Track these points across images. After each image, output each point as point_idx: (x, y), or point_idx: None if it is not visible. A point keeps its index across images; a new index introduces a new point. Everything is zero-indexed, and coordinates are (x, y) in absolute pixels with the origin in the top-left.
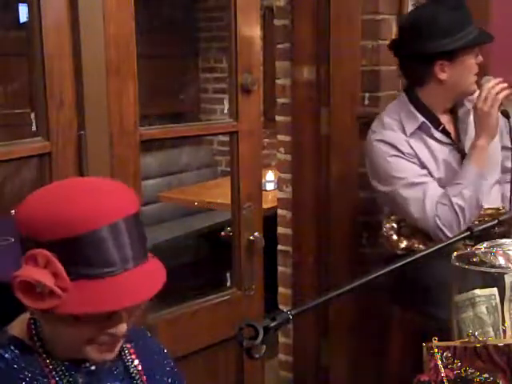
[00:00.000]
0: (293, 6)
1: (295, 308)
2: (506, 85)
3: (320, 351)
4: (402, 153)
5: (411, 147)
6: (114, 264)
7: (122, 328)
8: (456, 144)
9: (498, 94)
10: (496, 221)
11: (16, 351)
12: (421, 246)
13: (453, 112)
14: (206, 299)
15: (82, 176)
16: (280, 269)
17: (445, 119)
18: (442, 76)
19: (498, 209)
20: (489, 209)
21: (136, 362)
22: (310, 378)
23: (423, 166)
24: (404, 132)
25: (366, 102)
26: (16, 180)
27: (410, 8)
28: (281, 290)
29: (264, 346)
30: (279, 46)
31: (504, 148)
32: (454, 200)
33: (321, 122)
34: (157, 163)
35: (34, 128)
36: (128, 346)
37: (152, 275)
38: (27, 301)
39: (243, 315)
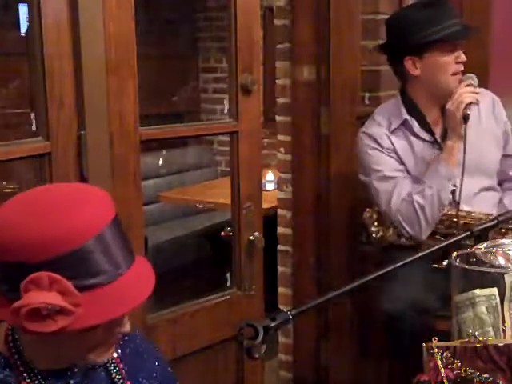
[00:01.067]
0: (293, 6)
1: (295, 308)
2: (474, 90)
3: (320, 351)
4: (382, 147)
5: (391, 142)
6: (108, 271)
7: (127, 326)
8: (438, 143)
9: (464, 97)
10: (496, 221)
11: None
12: (394, 237)
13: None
14: (205, 299)
15: (81, 176)
16: (280, 269)
17: (433, 117)
18: (415, 72)
19: (481, 217)
20: (471, 213)
21: (120, 366)
22: (310, 378)
23: (401, 161)
24: (389, 127)
25: (366, 101)
26: (16, 180)
27: None
28: (281, 290)
29: (264, 346)
30: (279, 46)
31: (509, 156)
32: (416, 198)
33: (321, 122)
34: (157, 163)
35: (34, 128)
36: None
37: (144, 272)
38: (36, 327)
39: (243, 315)
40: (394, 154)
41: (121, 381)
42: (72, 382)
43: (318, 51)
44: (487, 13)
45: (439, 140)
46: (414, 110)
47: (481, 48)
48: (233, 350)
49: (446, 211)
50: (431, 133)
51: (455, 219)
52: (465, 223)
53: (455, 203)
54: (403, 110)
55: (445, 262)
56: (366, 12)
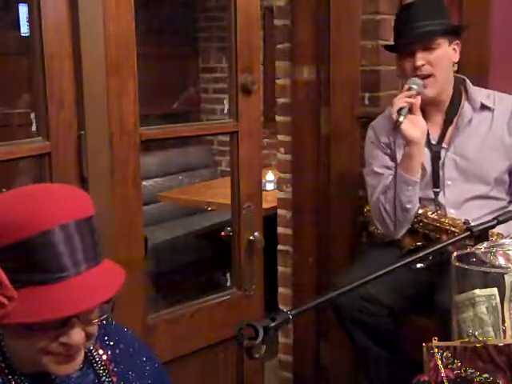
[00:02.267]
0: (293, 6)
1: (295, 308)
2: (410, 93)
3: (320, 351)
4: (379, 141)
5: (389, 138)
6: (65, 268)
7: (76, 336)
8: (429, 143)
9: (396, 103)
10: (495, 221)
11: None
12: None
13: (450, 112)
14: (205, 299)
15: (81, 176)
16: (280, 269)
17: (433, 117)
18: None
19: (461, 224)
20: (456, 220)
21: (110, 367)
22: (310, 378)
23: (394, 159)
24: (390, 123)
25: (366, 101)
26: (16, 180)
27: None
28: (281, 290)
29: (264, 346)
30: (279, 46)
31: None
32: (380, 198)
33: (321, 121)
34: (157, 163)
35: (34, 128)
36: (101, 352)
37: (104, 279)
38: None
39: (243, 315)
40: (388, 151)
41: (110, 383)
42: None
43: (318, 51)
44: (487, 11)
45: (433, 141)
46: None
47: (480, 47)
48: (233, 350)
49: (430, 214)
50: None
51: (438, 224)
52: (448, 229)
53: (437, 207)
54: None
55: (419, 265)
56: (366, 12)
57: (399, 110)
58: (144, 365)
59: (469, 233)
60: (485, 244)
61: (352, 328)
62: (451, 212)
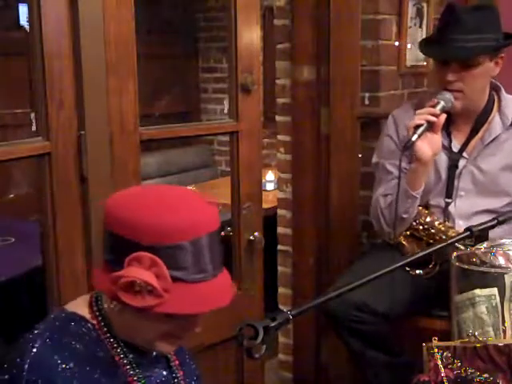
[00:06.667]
0: (293, 6)
1: (295, 308)
2: (432, 111)
3: (320, 351)
4: (398, 138)
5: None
6: (207, 270)
7: (199, 328)
8: (450, 150)
9: (415, 118)
10: (496, 221)
11: (83, 329)
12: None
13: (479, 121)
14: None
15: (81, 176)
16: (280, 269)
17: (462, 124)
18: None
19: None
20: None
21: (174, 357)
22: (310, 377)
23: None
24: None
25: (366, 101)
26: (16, 180)
27: (410, 8)
28: (281, 290)
29: (264, 346)
30: (279, 46)
31: None
32: (381, 199)
33: (321, 122)
34: (157, 163)
35: (34, 128)
36: None
37: (226, 284)
38: (127, 298)
39: (243, 315)
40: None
41: (176, 369)
42: (154, 354)
43: (318, 51)
44: None
45: (454, 149)
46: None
47: None
48: (233, 349)
49: (437, 224)
50: (449, 138)
51: (444, 236)
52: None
53: (446, 218)
54: None
55: (418, 271)
56: (366, 12)
57: (416, 127)
58: (190, 364)
59: (469, 233)
60: (485, 244)
61: (347, 336)
62: (459, 223)
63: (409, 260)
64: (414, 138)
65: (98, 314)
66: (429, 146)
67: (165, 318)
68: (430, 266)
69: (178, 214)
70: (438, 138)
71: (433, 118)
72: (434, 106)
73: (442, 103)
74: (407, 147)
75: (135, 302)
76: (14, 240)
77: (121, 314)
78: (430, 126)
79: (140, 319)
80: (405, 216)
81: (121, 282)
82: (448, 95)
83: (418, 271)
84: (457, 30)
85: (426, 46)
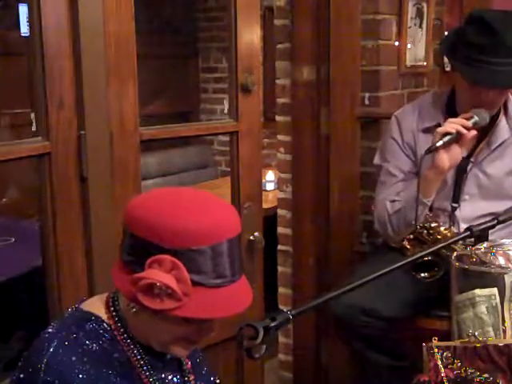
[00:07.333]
0: (293, 6)
1: (295, 308)
2: (464, 123)
3: (320, 351)
4: (403, 140)
5: (415, 139)
6: (226, 276)
7: (214, 332)
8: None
9: (445, 125)
10: (496, 221)
11: (99, 330)
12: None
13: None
14: None
15: (81, 176)
16: (280, 269)
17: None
18: (455, 81)
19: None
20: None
21: (187, 360)
22: (310, 378)
23: (415, 162)
24: (419, 123)
25: (366, 102)
26: (16, 180)
27: (410, 8)
28: (281, 290)
29: (264, 346)
30: (279, 45)
31: None
32: (388, 205)
33: (321, 122)
34: (157, 163)
35: (34, 128)
36: None
37: (245, 289)
38: (146, 301)
39: (243, 315)
40: (409, 152)
41: (187, 372)
42: (168, 357)
43: (318, 51)
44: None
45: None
46: (451, 111)
47: None
48: (233, 349)
49: (443, 230)
50: None
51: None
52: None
53: (452, 222)
54: (443, 111)
55: (422, 275)
56: (366, 12)
57: (444, 134)
58: (202, 366)
59: (469, 233)
60: (485, 244)
61: (355, 341)
62: (463, 227)
63: (409, 260)
64: (438, 144)
65: (114, 314)
66: (449, 157)
67: (181, 321)
68: (436, 270)
69: (200, 218)
70: (459, 152)
71: (464, 130)
72: (467, 119)
73: (476, 119)
74: (430, 151)
75: (154, 304)
76: (14, 240)
77: (137, 316)
78: (457, 138)
79: (156, 322)
80: (413, 222)
81: (140, 284)
82: (484, 113)
83: (422, 274)
84: (498, 51)
85: (466, 66)
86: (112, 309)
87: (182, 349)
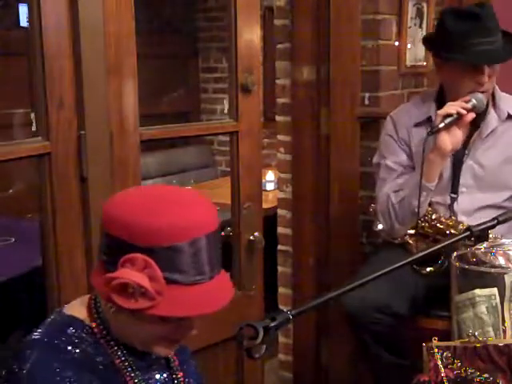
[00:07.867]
0: (293, 6)
1: (295, 308)
2: (464, 105)
3: (320, 351)
4: (398, 136)
5: (409, 135)
6: (204, 272)
7: (194, 330)
8: None
9: (445, 108)
10: (496, 221)
11: (82, 333)
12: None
13: (478, 117)
14: None
15: (81, 176)
16: (280, 269)
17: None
18: (438, 73)
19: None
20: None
21: (174, 357)
22: (310, 378)
23: (411, 156)
24: (412, 119)
25: (366, 101)
26: (16, 180)
27: (410, 8)
28: (281, 290)
29: (264, 346)
30: (279, 45)
31: None
32: (392, 196)
33: (321, 122)
34: (157, 163)
35: (33, 128)
36: None
37: (227, 283)
38: (120, 301)
39: (243, 315)
40: (405, 147)
41: (176, 369)
42: (153, 356)
43: (318, 51)
44: None
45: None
46: (441, 106)
47: None
48: (233, 349)
49: (444, 220)
50: None
51: (453, 231)
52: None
53: (452, 213)
54: (432, 106)
55: (428, 269)
56: (366, 12)
57: (445, 116)
58: (190, 362)
59: (469, 233)
60: (485, 244)
61: (362, 334)
62: (463, 219)
63: (415, 258)
64: (441, 126)
65: (96, 316)
66: (450, 139)
67: (158, 320)
68: (440, 262)
69: (173, 215)
70: (460, 135)
71: (463, 111)
72: (466, 102)
73: (474, 101)
74: (432, 133)
75: (128, 304)
76: (14, 240)
77: (117, 316)
78: (458, 119)
79: (135, 322)
80: (416, 210)
81: (114, 284)
82: (481, 95)
83: (428, 269)
84: (483, 32)
85: (450, 51)
86: (94, 311)
87: (165, 348)
